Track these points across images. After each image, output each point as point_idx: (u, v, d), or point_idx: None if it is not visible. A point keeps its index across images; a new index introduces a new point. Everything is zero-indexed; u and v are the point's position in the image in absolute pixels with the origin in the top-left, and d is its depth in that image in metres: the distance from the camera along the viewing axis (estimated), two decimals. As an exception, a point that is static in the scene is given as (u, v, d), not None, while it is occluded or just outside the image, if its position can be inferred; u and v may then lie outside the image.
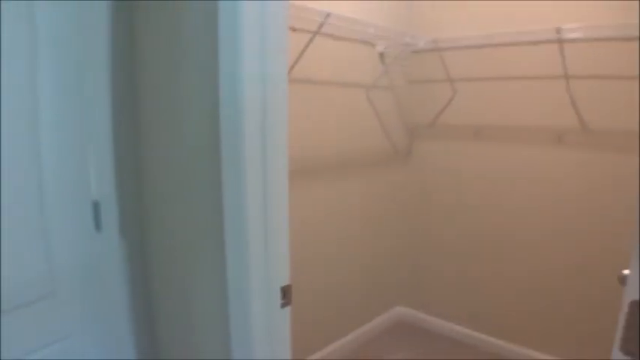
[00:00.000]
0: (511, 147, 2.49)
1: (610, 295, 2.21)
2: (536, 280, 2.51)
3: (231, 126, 1.07)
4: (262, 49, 1.05)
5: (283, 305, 1.20)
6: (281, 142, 1.13)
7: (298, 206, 2.17)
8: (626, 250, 2.15)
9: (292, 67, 1.98)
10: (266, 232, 1.13)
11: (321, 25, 1.97)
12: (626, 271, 1.32)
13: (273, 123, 1.10)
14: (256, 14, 1.02)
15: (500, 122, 2.50)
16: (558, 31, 2.03)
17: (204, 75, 1.13)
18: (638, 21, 1.83)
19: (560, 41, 2.06)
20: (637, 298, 0.67)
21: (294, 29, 2.02)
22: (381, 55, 2.58)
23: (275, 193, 1.13)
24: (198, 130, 1.20)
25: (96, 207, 1.30)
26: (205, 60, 1.10)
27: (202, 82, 1.15)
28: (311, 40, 2.02)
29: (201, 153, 1.20)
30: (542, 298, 2.51)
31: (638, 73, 2.00)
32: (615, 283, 2.20)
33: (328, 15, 1.94)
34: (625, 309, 0.69)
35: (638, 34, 1.83)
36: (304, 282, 2.28)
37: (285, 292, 1.20)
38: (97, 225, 1.30)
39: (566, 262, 2.39)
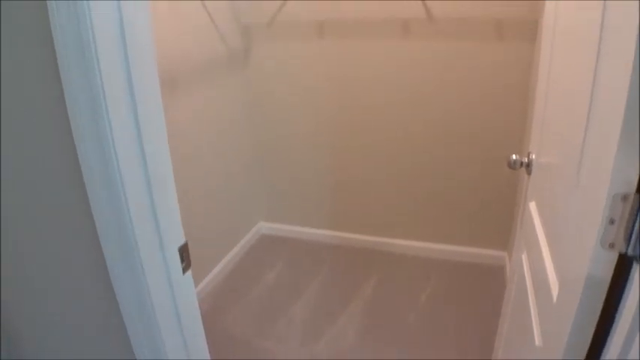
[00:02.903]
0: (359, 42, 2.40)
1: (462, 176, 2.38)
2: (396, 176, 2.64)
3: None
4: None
5: (185, 270, 0.97)
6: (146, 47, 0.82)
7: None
8: (480, 133, 2.30)
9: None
10: (147, 173, 0.85)
11: None
12: (514, 156, 1.28)
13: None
14: None
15: (345, 16, 2.37)
16: None
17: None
18: None
19: None
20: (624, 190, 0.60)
21: None
22: None
23: (149, 116, 0.85)
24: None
25: None
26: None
27: None
28: None
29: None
30: (405, 193, 2.66)
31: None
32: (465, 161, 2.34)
33: None
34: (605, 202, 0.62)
35: None
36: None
37: (183, 253, 0.96)
38: None
39: (425, 152, 2.54)
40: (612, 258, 0.63)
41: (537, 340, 0.95)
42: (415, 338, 2.16)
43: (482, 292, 2.42)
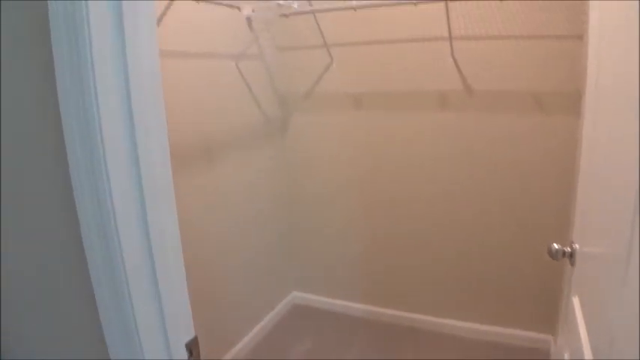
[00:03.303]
0: (394, 114, 2.41)
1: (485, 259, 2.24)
2: (434, 253, 2.52)
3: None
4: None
5: (191, 366, 0.87)
6: (158, 131, 0.80)
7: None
8: (514, 211, 2.18)
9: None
10: (154, 266, 0.79)
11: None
12: (555, 245, 1.18)
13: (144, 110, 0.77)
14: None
15: (381, 89, 2.40)
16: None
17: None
18: None
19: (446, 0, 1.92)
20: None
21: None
22: (248, 20, 2.31)
23: (155, 188, 0.80)
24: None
25: None
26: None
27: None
28: (168, 7, 1.64)
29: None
30: (442, 270, 2.53)
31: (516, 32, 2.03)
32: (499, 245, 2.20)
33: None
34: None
35: None
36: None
37: (192, 349, 0.88)
38: None
39: (464, 230, 2.42)
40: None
41: None
42: None
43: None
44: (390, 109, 2.41)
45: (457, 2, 1.97)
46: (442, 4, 1.96)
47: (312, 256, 2.87)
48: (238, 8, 2.22)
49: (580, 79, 1.91)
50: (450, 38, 2.10)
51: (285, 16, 2.42)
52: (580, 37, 1.90)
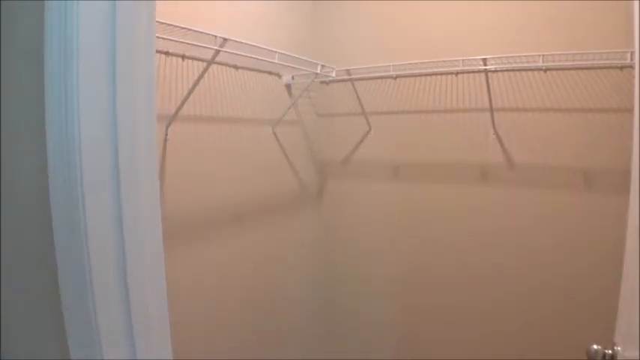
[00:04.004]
0: (433, 186, 2.30)
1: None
2: (473, 334, 2.29)
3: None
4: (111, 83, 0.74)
5: None
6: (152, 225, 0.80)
7: (185, 278, 1.78)
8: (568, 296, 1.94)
9: (183, 103, 1.69)
10: None
11: (217, 53, 1.65)
12: (595, 346, 1.03)
13: (131, 192, 0.77)
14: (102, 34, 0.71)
15: (419, 159, 2.33)
16: (485, 61, 1.84)
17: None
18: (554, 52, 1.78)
19: (487, 71, 1.88)
20: None
21: (184, 57, 1.77)
22: (288, 87, 2.36)
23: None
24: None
25: None
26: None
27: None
28: (205, 70, 1.70)
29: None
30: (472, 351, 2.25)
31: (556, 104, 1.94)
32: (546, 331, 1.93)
33: (225, 40, 1.63)
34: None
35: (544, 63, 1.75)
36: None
37: None
38: None
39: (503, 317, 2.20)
40: None
41: None
42: None
43: None
44: (428, 181, 2.31)
45: (499, 73, 1.92)
46: (482, 74, 1.91)
47: (346, 333, 2.65)
48: (278, 75, 2.29)
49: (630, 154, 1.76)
50: (491, 109, 2.02)
51: (325, 83, 2.47)
52: (630, 110, 1.76)
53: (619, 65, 1.67)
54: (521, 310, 2.11)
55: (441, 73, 2.05)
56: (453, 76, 2.07)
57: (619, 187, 1.83)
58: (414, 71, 2.10)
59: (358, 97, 2.38)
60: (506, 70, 1.86)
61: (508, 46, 1.96)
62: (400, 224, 2.41)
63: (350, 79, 2.29)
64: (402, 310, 2.45)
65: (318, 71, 2.14)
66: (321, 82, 2.45)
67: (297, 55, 2.03)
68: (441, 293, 2.33)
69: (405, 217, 2.39)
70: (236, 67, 2.03)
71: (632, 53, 1.50)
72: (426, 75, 2.11)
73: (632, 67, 1.64)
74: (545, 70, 1.79)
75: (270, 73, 2.23)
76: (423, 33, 2.22)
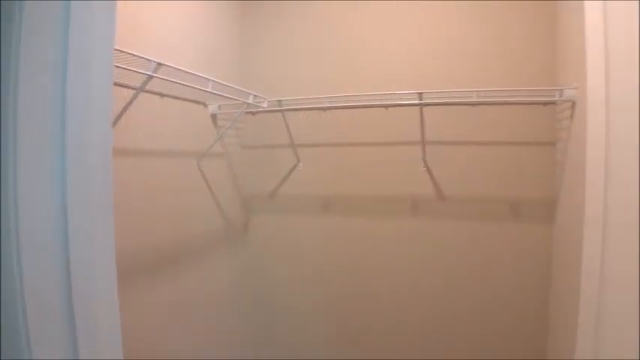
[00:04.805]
0: (364, 219, 2.30)
1: None
2: None
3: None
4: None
5: None
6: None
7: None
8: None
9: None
10: None
11: (149, 79, 1.48)
12: None
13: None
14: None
15: (350, 192, 2.32)
16: (420, 95, 1.90)
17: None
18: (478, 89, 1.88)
19: (422, 105, 1.94)
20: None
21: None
22: (213, 117, 2.20)
23: None
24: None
25: None
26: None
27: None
28: (134, 97, 1.52)
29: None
30: None
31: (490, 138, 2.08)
32: None
33: (159, 65, 1.46)
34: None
35: (478, 99, 1.84)
36: None
37: None
38: None
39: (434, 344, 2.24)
40: None
41: None
42: None
43: None
44: (358, 214, 2.30)
45: (432, 107, 1.99)
46: (415, 108, 1.97)
47: None
48: (204, 104, 2.14)
49: (554, 186, 1.94)
50: (423, 142, 2.09)
51: (252, 114, 2.36)
52: (553, 143, 1.95)
53: (543, 102, 1.84)
54: (450, 330, 2.19)
55: (375, 106, 2.06)
56: (385, 109, 2.11)
57: (543, 216, 2.01)
58: (348, 103, 2.09)
59: (288, 129, 2.31)
60: (440, 105, 1.94)
61: (441, 81, 2.09)
62: (330, 257, 2.36)
63: (281, 110, 2.21)
64: (334, 340, 2.39)
65: (250, 101, 2.03)
66: (247, 113, 2.33)
67: (231, 84, 1.91)
68: (371, 319, 2.32)
69: (334, 249, 2.35)
70: (161, 95, 1.85)
71: (562, 91, 1.66)
72: (359, 107, 2.11)
73: (554, 103, 1.82)
74: (474, 105, 1.90)
75: (196, 102, 2.08)
76: (360, 67, 2.25)
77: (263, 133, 2.42)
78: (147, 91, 1.67)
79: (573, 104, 1.64)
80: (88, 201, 0.70)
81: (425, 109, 1.95)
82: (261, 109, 2.17)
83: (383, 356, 2.29)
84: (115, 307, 0.71)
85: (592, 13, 1.21)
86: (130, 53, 1.36)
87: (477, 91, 1.80)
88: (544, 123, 1.97)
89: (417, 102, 1.91)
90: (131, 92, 1.54)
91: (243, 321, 2.46)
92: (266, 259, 2.47)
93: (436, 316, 2.20)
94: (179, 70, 1.59)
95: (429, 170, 2.16)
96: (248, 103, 2.04)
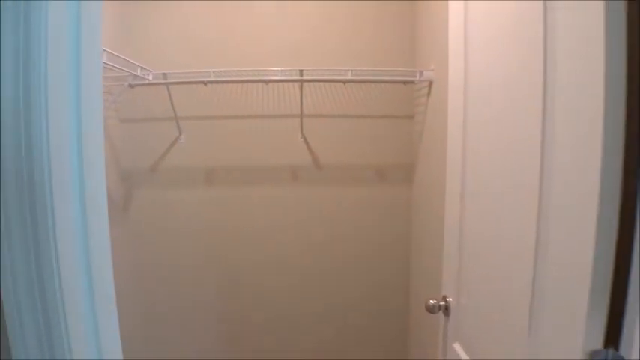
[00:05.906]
0: (246, 189, 2.46)
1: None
2: (289, 326, 2.58)
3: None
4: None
5: None
6: None
7: None
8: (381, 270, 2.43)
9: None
10: None
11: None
12: (432, 301, 1.37)
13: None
14: None
15: (233, 163, 2.44)
16: (301, 72, 2.09)
17: None
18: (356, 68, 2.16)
19: (302, 81, 2.15)
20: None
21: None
22: None
23: None
24: None
25: None
26: None
27: None
28: None
29: None
30: (295, 337, 2.58)
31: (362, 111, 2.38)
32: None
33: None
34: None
35: (352, 77, 2.14)
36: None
37: None
38: None
39: (320, 299, 2.55)
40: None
41: None
42: None
43: None
44: (241, 184, 2.45)
45: (310, 83, 2.18)
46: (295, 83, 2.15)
47: (161, 340, 2.58)
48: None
49: (413, 152, 2.32)
50: (301, 116, 2.31)
51: (131, 86, 2.30)
52: (412, 116, 2.30)
53: (403, 81, 2.17)
54: (328, 283, 2.53)
55: (257, 81, 2.20)
56: (266, 84, 2.25)
57: (404, 179, 2.39)
58: (232, 78, 2.18)
59: (172, 102, 2.32)
60: (318, 81, 2.16)
61: (318, 59, 2.32)
62: (215, 228, 2.48)
63: (160, 83, 2.20)
64: (221, 314, 2.56)
65: (138, 73, 2.01)
66: (128, 85, 2.26)
67: (122, 56, 1.86)
68: (256, 287, 2.54)
69: (219, 221, 2.47)
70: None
71: (422, 72, 1.99)
72: (243, 82, 2.23)
73: (413, 82, 2.15)
74: (345, 82, 2.16)
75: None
76: (246, 42, 2.35)
77: (141, 106, 2.38)
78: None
79: (430, 83, 1.99)
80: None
81: (304, 84, 2.15)
82: (138, 82, 2.14)
83: (266, 313, 2.56)
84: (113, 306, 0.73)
85: (455, 6, 1.40)
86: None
87: (351, 69, 2.06)
88: (405, 99, 2.34)
89: (297, 78, 2.10)
90: None
91: (122, 298, 2.48)
92: (148, 231, 2.49)
93: (317, 271, 2.52)
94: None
95: (306, 141, 2.40)
96: (135, 75, 2.01)
